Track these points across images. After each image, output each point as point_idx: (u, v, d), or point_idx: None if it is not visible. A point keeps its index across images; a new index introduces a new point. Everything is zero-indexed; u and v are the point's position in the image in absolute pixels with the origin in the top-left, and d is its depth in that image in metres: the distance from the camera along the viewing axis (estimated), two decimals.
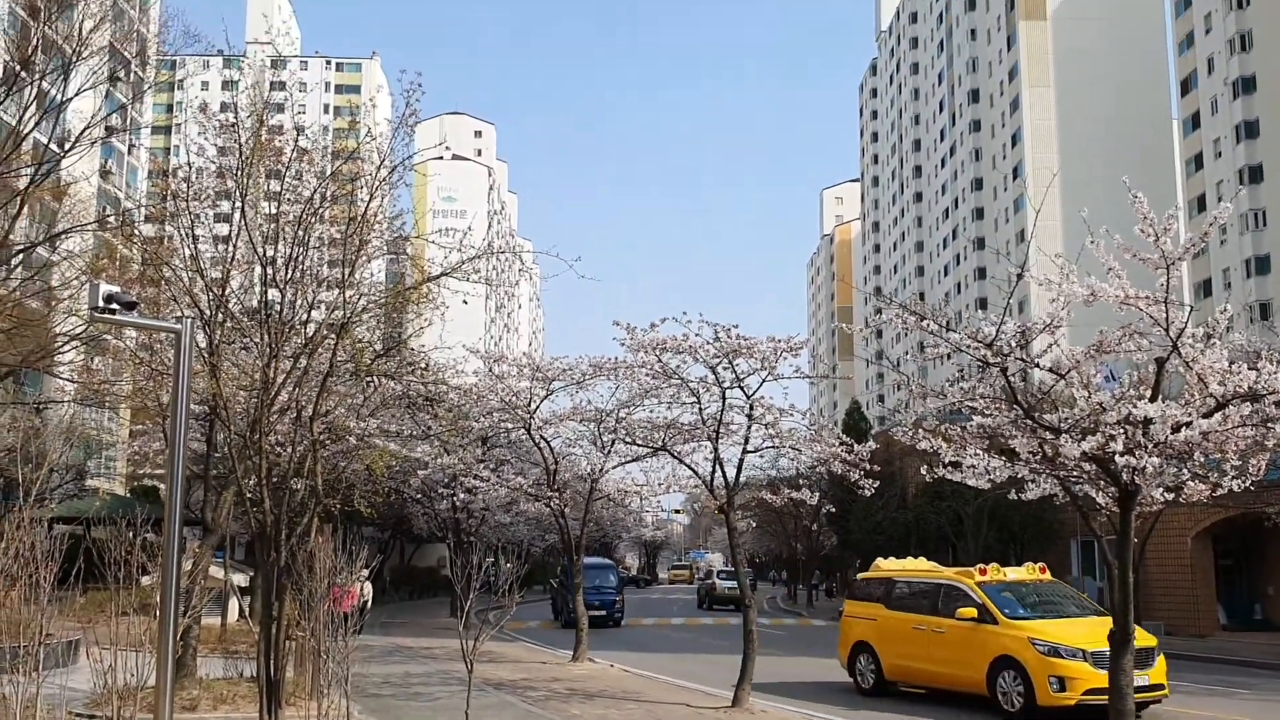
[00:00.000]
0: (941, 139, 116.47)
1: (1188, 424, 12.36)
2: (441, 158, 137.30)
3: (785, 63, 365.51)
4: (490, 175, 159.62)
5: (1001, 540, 38.63)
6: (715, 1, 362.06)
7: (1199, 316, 14.15)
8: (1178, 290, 12.68)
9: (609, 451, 25.13)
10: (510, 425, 26.74)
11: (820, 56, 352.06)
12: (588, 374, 23.97)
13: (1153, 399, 12.88)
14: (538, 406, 25.37)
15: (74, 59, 24.71)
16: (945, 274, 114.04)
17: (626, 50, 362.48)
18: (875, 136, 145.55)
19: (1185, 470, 13.38)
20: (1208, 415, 12.36)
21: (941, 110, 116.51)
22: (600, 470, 25.39)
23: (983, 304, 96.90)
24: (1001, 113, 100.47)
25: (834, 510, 45.45)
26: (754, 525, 55.73)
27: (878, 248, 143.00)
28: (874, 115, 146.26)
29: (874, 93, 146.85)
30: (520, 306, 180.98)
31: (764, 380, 21.85)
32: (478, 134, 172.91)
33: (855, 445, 21.64)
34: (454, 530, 38.82)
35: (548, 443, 26.02)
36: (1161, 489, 13.42)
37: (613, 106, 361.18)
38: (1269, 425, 12.42)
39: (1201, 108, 76.45)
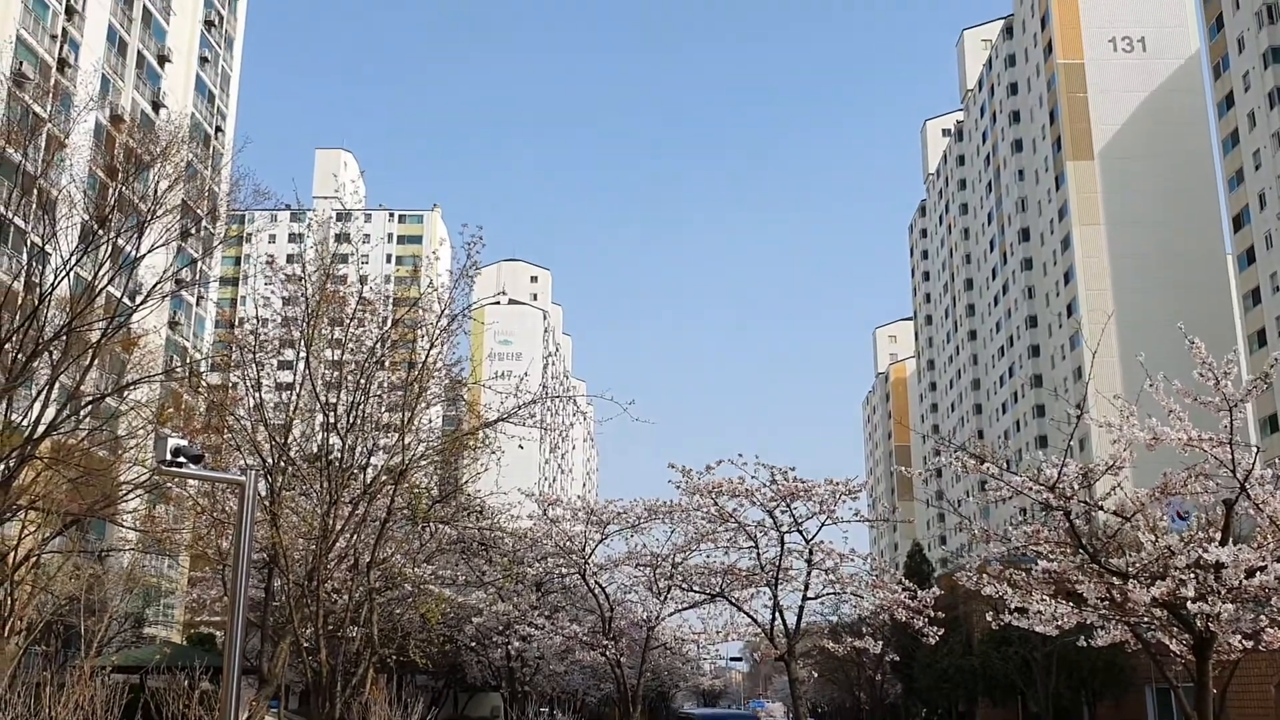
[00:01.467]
0: (994, 277, 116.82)
1: (1262, 568, 12.02)
2: (499, 303, 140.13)
3: (836, 202, 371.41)
4: (545, 318, 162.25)
5: (1071, 688, 37.23)
6: (767, 146, 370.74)
7: (1267, 456, 13.87)
8: (1242, 429, 12.47)
9: (665, 598, 24.83)
10: (565, 570, 26.55)
11: (869, 196, 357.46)
12: (643, 517, 23.90)
13: (1223, 542, 12.56)
14: (593, 551, 25.24)
15: (149, 217, 25.80)
16: (1003, 412, 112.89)
17: (682, 190, 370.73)
18: (927, 275, 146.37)
19: (1263, 616, 12.94)
20: None
21: (992, 249, 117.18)
22: (656, 617, 25.04)
23: (1042, 442, 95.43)
24: (1053, 251, 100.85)
25: (898, 659, 44.19)
26: (815, 674, 54.23)
27: (933, 386, 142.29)
28: (924, 254, 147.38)
29: (924, 232, 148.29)
30: (574, 447, 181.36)
31: (823, 524, 21.67)
32: (534, 279, 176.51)
33: (918, 591, 21.23)
34: (508, 679, 38.19)
35: (603, 589, 25.77)
36: (1239, 635, 12.97)
37: (668, 246, 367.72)
38: None
39: (1256, 243, 76.17)
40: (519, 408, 17.73)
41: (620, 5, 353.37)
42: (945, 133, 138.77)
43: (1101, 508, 13.68)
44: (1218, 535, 12.85)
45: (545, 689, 39.92)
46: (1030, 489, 13.72)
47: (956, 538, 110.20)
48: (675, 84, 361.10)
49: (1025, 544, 14.03)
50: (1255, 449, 12.63)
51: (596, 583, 25.43)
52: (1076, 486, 13.70)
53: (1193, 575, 12.43)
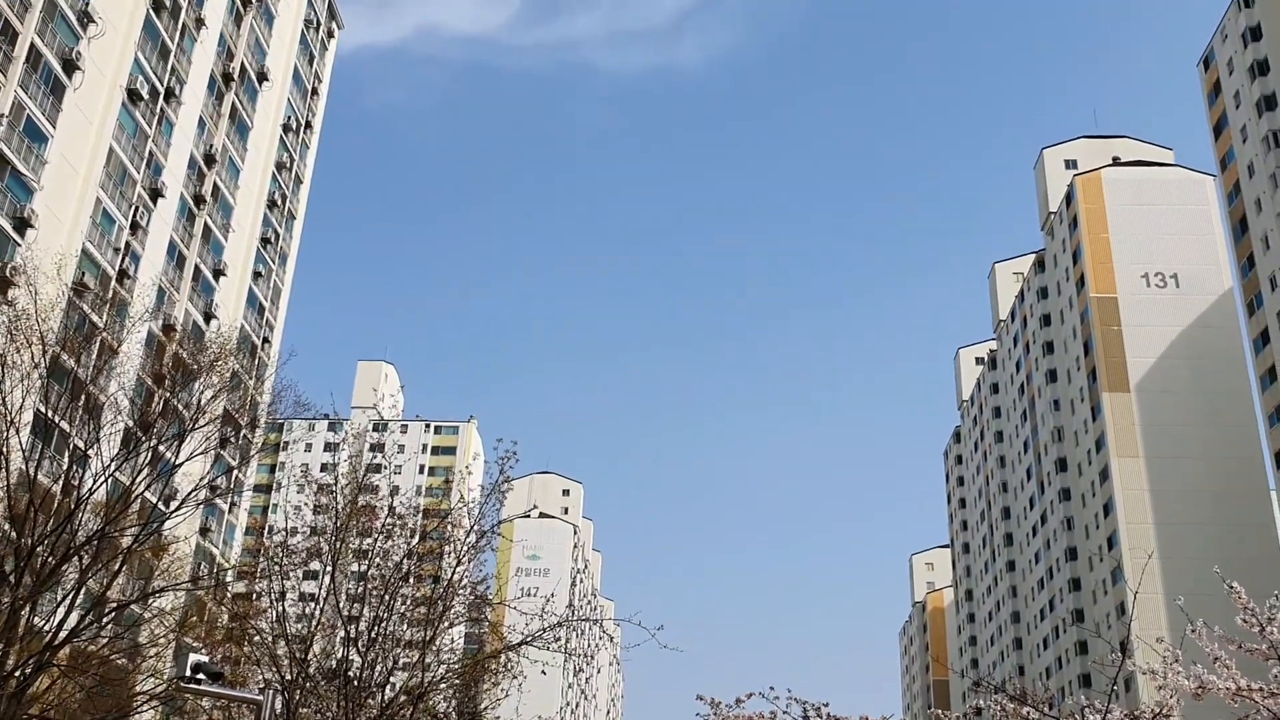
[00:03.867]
0: (1031, 507, 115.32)
1: None
2: (529, 516, 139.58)
3: (873, 428, 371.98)
4: (576, 534, 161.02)
5: None
6: (804, 374, 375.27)
7: None
8: None
9: None
10: None
11: (905, 422, 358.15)
12: None
13: None
14: None
15: (191, 426, 26.24)
16: (1044, 647, 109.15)
17: (721, 410, 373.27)
18: (963, 502, 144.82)
19: None
20: None
21: (1030, 478, 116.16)
22: None
23: (1085, 681, 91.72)
24: (1091, 482, 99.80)
25: None
26: None
27: (972, 617, 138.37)
28: (960, 481, 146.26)
29: (959, 459, 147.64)
30: (599, 671, 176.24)
31: None
32: (565, 492, 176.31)
33: None
34: None
35: None
36: None
37: (703, 466, 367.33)
38: None
39: None
40: (544, 630, 17.34)
41: (658, 240, 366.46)
42: (979, 361, 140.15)
43: None
44: None
45: None
46: None
47: None
48: (716, 311, 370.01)
49: None
50: None
51: None
52: None
53: None
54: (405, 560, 19.70)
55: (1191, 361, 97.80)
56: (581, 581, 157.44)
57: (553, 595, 18.57)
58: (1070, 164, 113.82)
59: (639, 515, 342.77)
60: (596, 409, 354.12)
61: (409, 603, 21.41)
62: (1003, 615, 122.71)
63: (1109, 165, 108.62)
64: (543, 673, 18.36)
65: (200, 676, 9.88)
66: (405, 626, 21.14)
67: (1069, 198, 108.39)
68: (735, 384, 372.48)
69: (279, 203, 72.38)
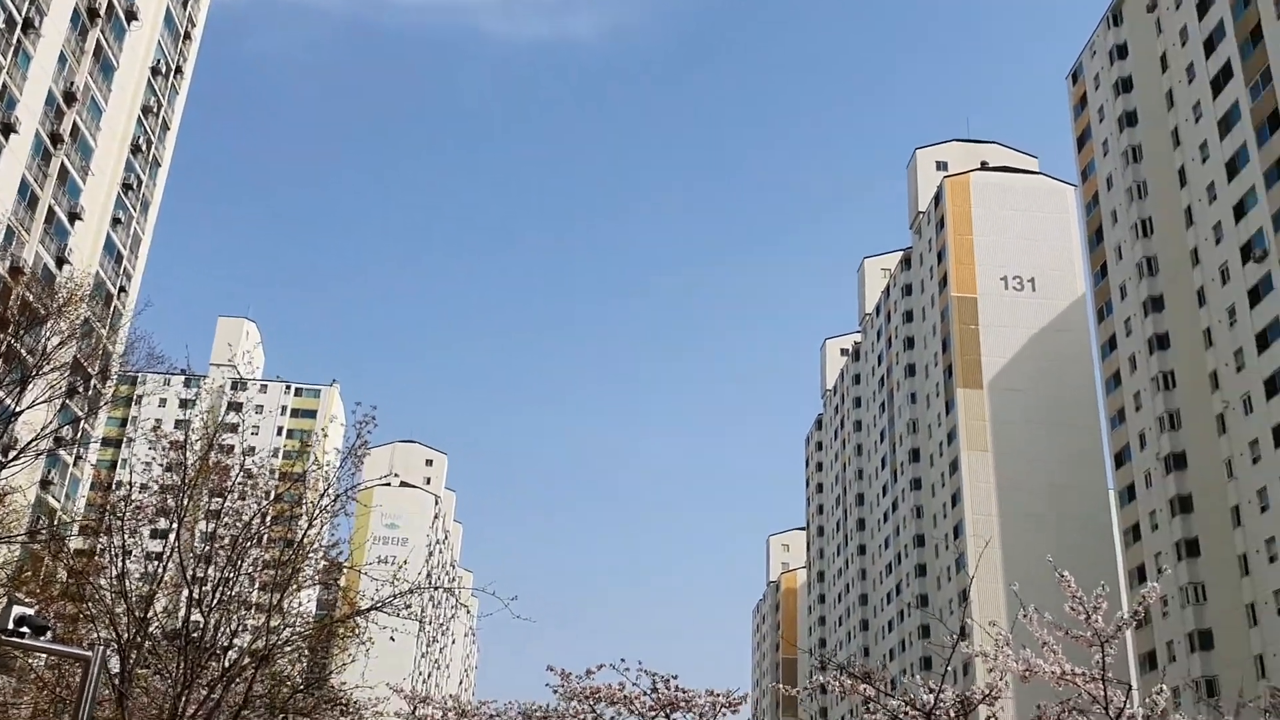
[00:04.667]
0: (884, 494, 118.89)
1: None
2: (389, 484, 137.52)
3: (739, 411, 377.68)
4: (437, 504, 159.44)
5: None
6: (675, 351, 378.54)
7: (1145, 690, 13.93)
8: (1122, 665, 12.59)
9: None
10: None
11: (772, 408, 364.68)
12: None
13: None
14: None
15: (34, 373, 25.06)
16: (889, 630, 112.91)
17: (587, 385, 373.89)
18: (820, 488, 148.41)
19: None
20: None
21: (884, 467, 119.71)
22: None
23: (927, 663, 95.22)
24: (941, 473, 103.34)
25: None
26: None
27: (823, 598, 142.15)
28: (819, 467, 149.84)
29: (819, 445, 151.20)
30: (454, 641, 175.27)
31: None
32: (429, 462, 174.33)
33: None
34: None
35: None
36: None
37: (569, 442, 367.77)
38: None
39: (1136, 481, 79.02)
40: (394, 596, 17.14)
41: (538, 216, 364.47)
42: (844, 352, 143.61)
43: None
44: None
45: None
46: (907, 713, 13.57)
47: None
48: (593, 293, 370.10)
49: None
50: (1128, 686, 12.71)
51: None
52: (953, 714, 13.59)
53: None
54: (256, 521, 19.17)
55: (1042, 363, 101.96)
56: (440, 552, 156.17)
57: (405, 562, 18.37)
58: (941, 165, 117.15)
59: (503, 489, 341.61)
60: (464, 381, 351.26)
61: (258, 565, 20.89)
62: (852, 597, 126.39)
63: (977, 170, 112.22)
64: (391, 639, 18.16)
65: (24, 630, 9.44)
66: (253, 588, 20.61)
67: (938, 198, 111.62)
68: (604, 362, 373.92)
69: (143, 148, 69.39)
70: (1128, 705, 12.31)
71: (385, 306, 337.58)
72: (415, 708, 24.90)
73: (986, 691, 13.64)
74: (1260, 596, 63.46)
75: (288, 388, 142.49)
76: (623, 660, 20.16)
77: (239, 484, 20.92)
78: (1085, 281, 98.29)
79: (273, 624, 18.98)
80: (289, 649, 19.60)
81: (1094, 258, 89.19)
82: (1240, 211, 68.71)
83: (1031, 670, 12.68)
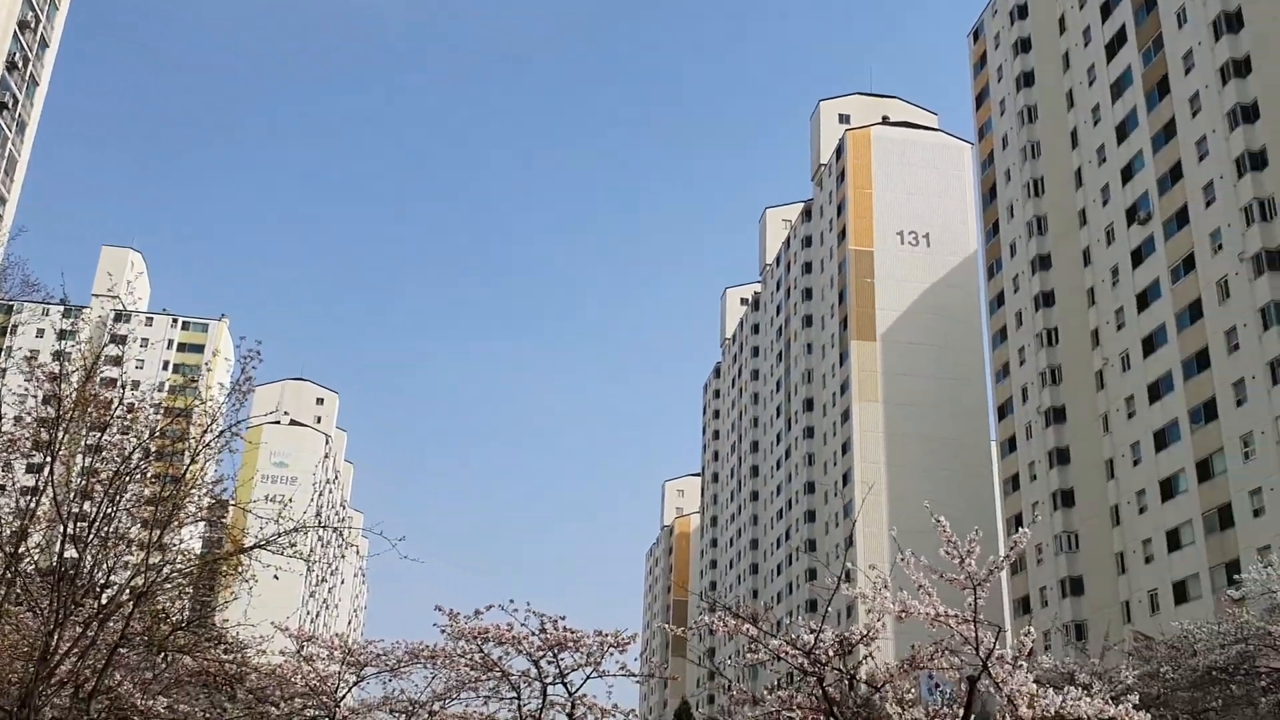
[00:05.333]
0: (778, 442, 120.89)
1: None
2: (278, 422, 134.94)
3: (643, 358, 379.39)
4: (327, 443, 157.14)
5: None
6: (579, 298, 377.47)
7: (1017, 632, 14.41)
8: (997, 607, 13.00)
9: None
10: (314, 712, 25.00)
11: (675, 354, 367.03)
12: (403, 660, 22.90)
13: (965, 719, 12.93)
14: (345, 694, 23.91)
15: None
16: (778, 573, 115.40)
17: (487, 325, 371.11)
18: (717, 435, 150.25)
19: None
20: None
21: (779, 415, 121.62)
22: None
23: (812, 606, 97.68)
24: (833, 422, 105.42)
25: None
26: None
27: (715, 542, 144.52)
28: (716, 415, 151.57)
29: (716, 393, 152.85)
30: (343, 582, 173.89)
31: (588, 676, 21.25)
32: (320, 401, 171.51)
33: None
34: None
35: None
36: None
37: (467, 384, 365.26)
38: None
39: (1017, 434, 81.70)
40: (279, 535, 16.85)
41: (456, 155, 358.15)
42: (744, 301, 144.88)
43: (854, 676, 13.91)
44: (961, 711, 13.23)
45: None
46: (787, 653, 13.85)
47: (724, 696, 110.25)
48: (497, 221, 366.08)
49: (779, 708, 14.08)
50: (998, 628, 13.14)
51: None
52: (832, 654, 13.90)
53: None
54: (137, 456, 18.61)
55: (934, 317, 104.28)
56: (331, 492, 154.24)
57: (290, 500, 18.06)
58: (844, 118, 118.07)
59: (397, 430, 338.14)
60: (359, 321, 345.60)
61: (138, 501, 20.32)
62: (743, 542, 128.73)
63: (879, 124, 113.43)
64: (275, 577, 17.87)
65: None
66: (132, 525, 20.06)
67: (839, 151, 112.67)
68: (507, 307, 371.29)
69: (19, 65, 66.06)
70: (997, 646, 12.72)
71: (280, 245, 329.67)
72: (301, 646, 24.66)
73: (865, 632, 13.96)
74: (1129, 545, 66.37)
75: (174, 321, 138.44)
76: (511, 601, 20.22)
77: (119, 418, 20.28)
78: (977, 238, 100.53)
79: (152, 561, 18.50)
80: (169, 586, 19.14)
81: (987, 215, 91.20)
82: (1128, 175, 70.82)
83: (907, 612, 13.05)
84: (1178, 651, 21.07)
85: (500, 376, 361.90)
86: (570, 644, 20.72)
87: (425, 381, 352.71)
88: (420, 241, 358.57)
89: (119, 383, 21.63)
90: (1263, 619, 19.88)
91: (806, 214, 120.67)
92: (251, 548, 17.07)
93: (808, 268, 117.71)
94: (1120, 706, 12.12)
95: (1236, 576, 22.01)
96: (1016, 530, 77.56)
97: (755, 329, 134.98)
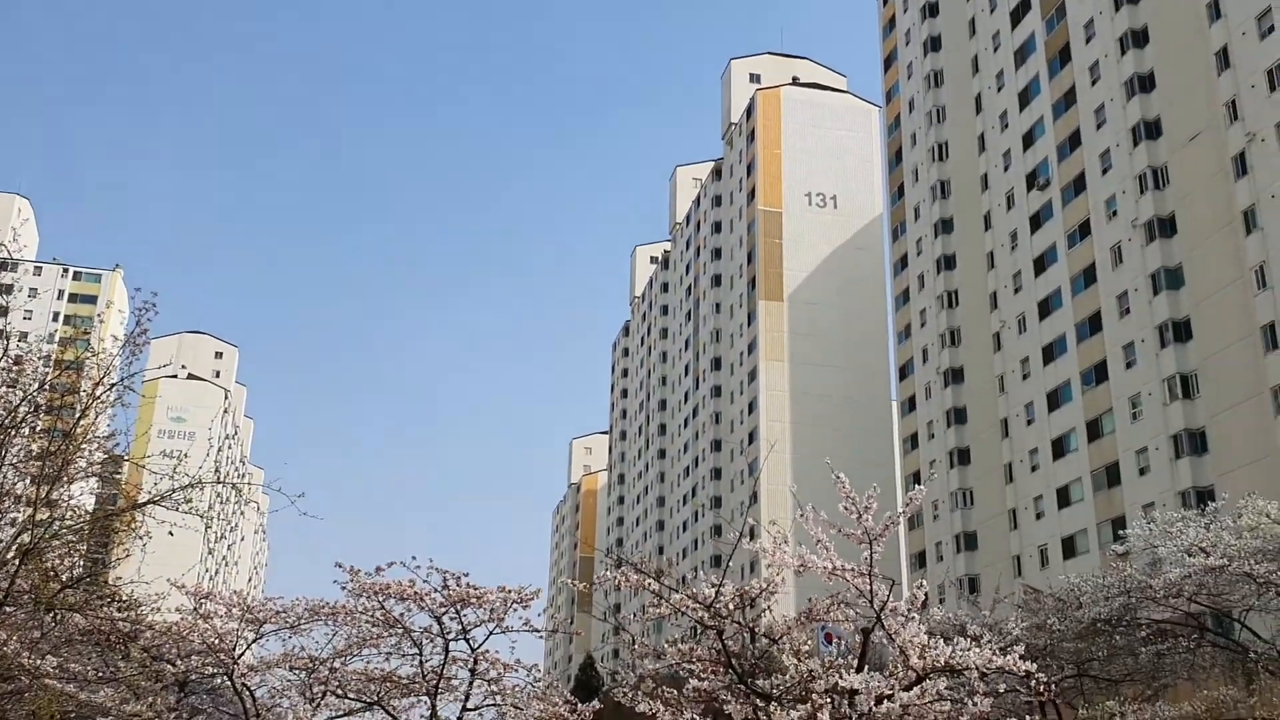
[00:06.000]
0: (685, 401, 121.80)
1: (889, 696, 12.72)
2: (175, 376, 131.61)
3: (551, 315, 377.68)
4: (226, 398, 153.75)
5: None
6: (490, 251, 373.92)
7: (912, 587, 14.76)
8: (895, 562, 13.30)
9: (318, 705, 23.44)
10: (211, 670, 24.62)
11: (584, 311, 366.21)
12: (303, 618, 22.62)
13: (859, 669, 13.24)
14: (244, 651, 23.57)
15: None
16: (683, 530, 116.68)
17: (392, 281, 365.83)
18: (625, 393, 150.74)
19: None
20: (908, 688, 12.78)
21: (687, 374, 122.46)
22: None
23: (716, 561, 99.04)
24: (740, 381, 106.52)
25: None
26: None
27: (622, 500, 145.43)
28: (625, 373, 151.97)
29: (625, 351, 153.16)
30: (243, 539, 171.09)
31: (491, 632, 21.26)
32: (218, 355, 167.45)
33: (578, 705, 21.12)
34: None
35: (250, 692, 24.05)
36: None
37: (370, 339, 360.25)
38: (962, 700, 12.95)
39: (917, 394, 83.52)
40: (173, 490, 16.45)
41: (349, 96, 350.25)
42: (654, 259, 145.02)
43: (753, 629, 14.13)
44: (856, 661, 13.55)
45: None
46: (688, 607, 14.00)
47: (628, 652, 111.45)
48: (403, 173, 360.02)
49: (679, 661, 14.26)
50: (891, 582, 13.45)
51: (244, 684, 23.71)
52: (732, 607, 14.09)
53: (829, 700, 12.96)
54: (23, 410, 17.99)
55: (840, 278, 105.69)
56: (230, 448, 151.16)
57: (186, 455, 17.65)
58: (755, 78, 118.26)
59: (300, 387, 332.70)
60: (261, 275, 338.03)
61: (25, 456, 19.67)
62: (650, 499, 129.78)
63: (789, 84, 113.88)
64: (170, 534, 17.48)
65: None
66: (19, 481, 19.43)
67: (749, 111, 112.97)
68: (415, 264, 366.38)
69: None
70: (891, 598, 13.02)
71: (180, 198, 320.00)
72: (198, 604, 24.19)
73: (764, 586, 14.17)
74: (1021, 503, 68.52)
75: (65, 271, 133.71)
76: (414, 558, 20.08)
77: (4, 370, 19.54)
78: (883, 201, 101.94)
79: (40, 517, 17.95)
80: (58, 543, 18.60)
81: (892, 178, 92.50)
82: (1029, 140, 72.33)
83: (805, 566, 13.27)
84: (1064, 604, 21.87)
85: (408, 335, 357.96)
86: (473, 600, 20.69)
87: (330, 338, 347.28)
88: (326, 198, 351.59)
89: (3, 333, 20.87)
90: (1145, 573, 20.70)
91: (717, 173, 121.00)
92: (145, 504, 16.64)
93: (717, 227, 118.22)
94: (1007, 656, 12.53)
95: (1122, 532, 22.88)
96: (916, 486, 79.75)
97: (665, 288, 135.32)
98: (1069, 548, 63.16)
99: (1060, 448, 65.62)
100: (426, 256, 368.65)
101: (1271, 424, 50.25)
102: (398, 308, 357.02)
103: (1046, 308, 68.58)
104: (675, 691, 14.43)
